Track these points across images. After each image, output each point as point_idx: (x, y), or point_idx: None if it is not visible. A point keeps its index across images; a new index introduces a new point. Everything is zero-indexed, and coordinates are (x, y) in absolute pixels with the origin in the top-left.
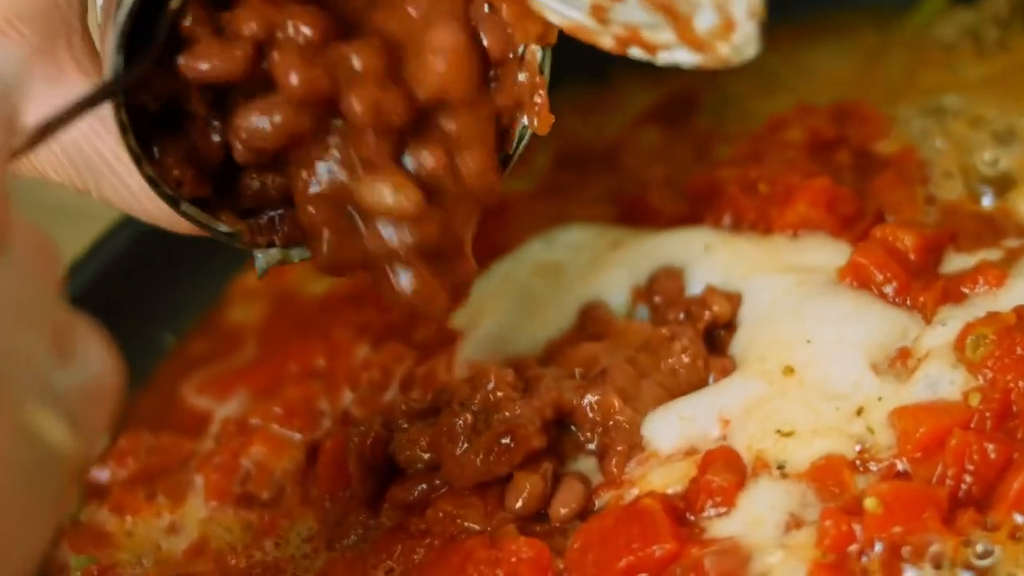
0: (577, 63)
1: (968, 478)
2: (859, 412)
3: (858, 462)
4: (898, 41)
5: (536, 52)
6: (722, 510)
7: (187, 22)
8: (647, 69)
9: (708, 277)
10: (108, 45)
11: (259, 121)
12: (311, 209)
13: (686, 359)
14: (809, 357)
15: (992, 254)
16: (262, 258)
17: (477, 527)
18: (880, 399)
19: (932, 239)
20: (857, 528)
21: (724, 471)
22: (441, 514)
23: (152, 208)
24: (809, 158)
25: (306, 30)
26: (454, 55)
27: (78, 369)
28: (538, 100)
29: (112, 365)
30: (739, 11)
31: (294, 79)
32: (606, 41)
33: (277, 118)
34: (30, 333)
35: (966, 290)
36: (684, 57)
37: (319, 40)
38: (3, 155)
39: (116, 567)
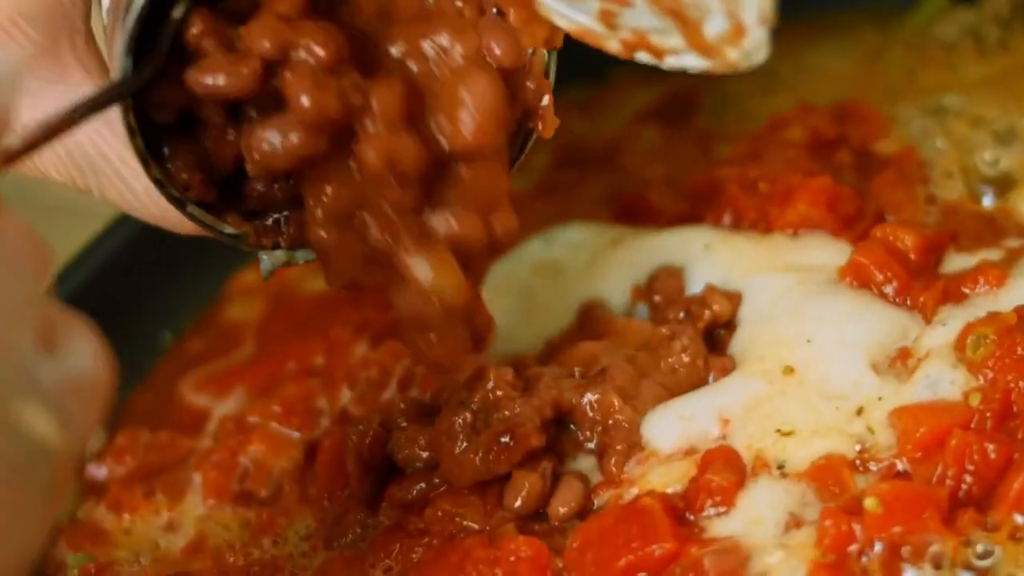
0: (577, 63)
1: (968, 478)
2: (859, 412)
3: (858, 462)
4: (899, 41)
5: (542, 56)
6: (722, 509)
7: (194, 31)
8: (647, 69)
9: (708, 276)
10: (116, 48)
11: (272, 140)
12: (322, 233)
13: (686, 358)
14: (809, 357)
15: (993, 254)
16: (267, 260)
17: (476, 526)
18: (880, 399)
19: (933, 239)
20: (857, 528)
21: (724, 470)
22: (440, 513)
23: (155, 209)
24: (809, 157)
25: (319, 51)
26: (491, 114)
27: (66, 364)
28: (544, 104)
29: (103, 361)
30: (750, 17)
31: (306, 101)
32: (613, 45)
33: (292, 139)
34: (15, 329)
35: (966, 290)
36: (692, 62)
37: (333, 62)
38: None
39: (114, 565)
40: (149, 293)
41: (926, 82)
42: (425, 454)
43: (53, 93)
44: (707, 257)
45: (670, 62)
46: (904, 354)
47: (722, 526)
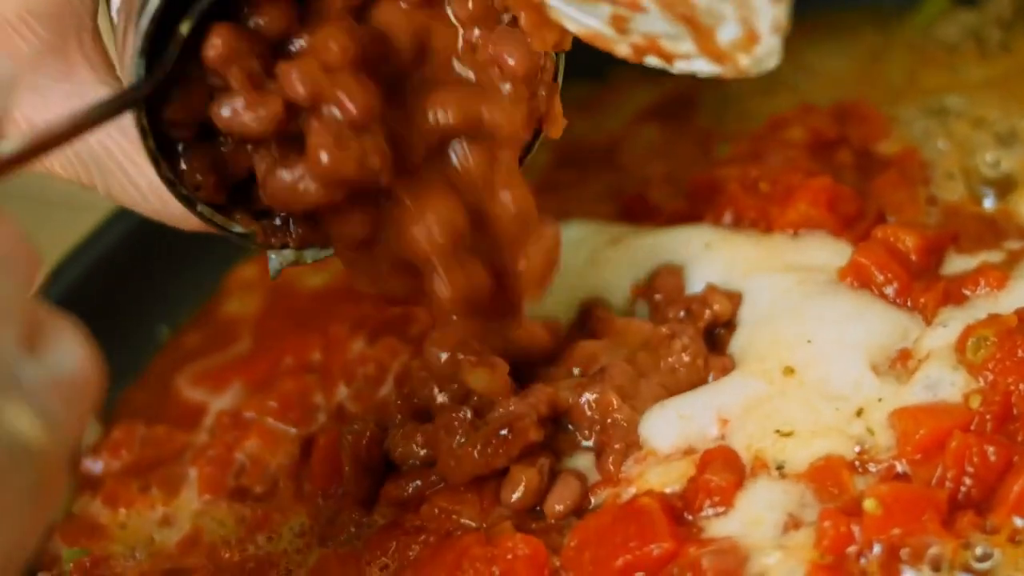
0: (577, 62)
1: (968, 480)
2: (859, 413)
3: (857, 463)
4: (900, 41)
5: (553, 61)
6: (720, 510)
7: (212, 53)
8: (647, 68)
9: (708, 275)
10: (129, 50)
11: (290, 185)
12: (350, 254)
13: (686, 358)
14: (809, 357)
15: (993, 256)
16: (275, 259)
17: (473, 524)
18: (880, 400)
19: (933, 240)
20: (856, 529)
21: (722, 471)
22: (436, 510)
23: (160, 206)
24: (810, 157)
25: (351, 107)
26: (552, 267)
27: (51, 364)
28: (554, 107)
29: (90, 361)
30: (764, 25)
31: (324, 158)
32: (622, 49)
33: (309, 187)
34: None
35: (967, 292)
36: (702, 67)
37: (361, 121)
38: None
39: (108, 559)
40: (146, 287)
41: (927, 83)
42: (422, 451)
43: (60, 91)
44: (707, 256)
45: (680, 67)
46: (904, 355)
47: (720, 526)
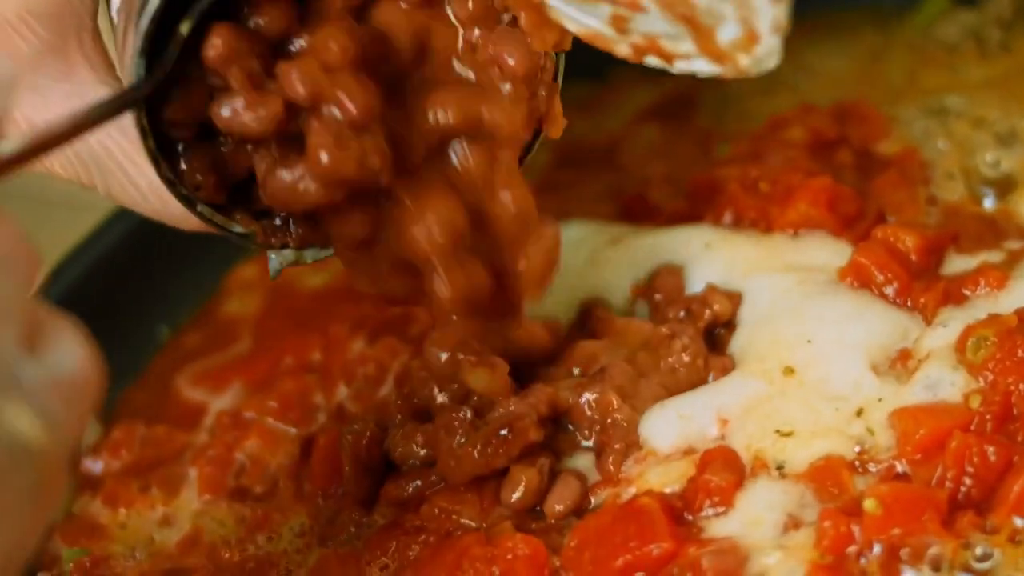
0: (577, 61)
1: (968, 480)
2: (859, 413)
3: (857, 463)
4: (900, 41)
5: (553, 61)
6: (720, 510)
7: (212, 53)
8: (647, 68)
9: (708, 275)
10: (129, 49)
11: (290, 186)
12: (350, 254)
13: (686, 358)
14: (809, 357)
15: (993, 256)
16: (276, 259)
17: (473, 524)
18: (880, 400)
19: (933, 240)
20: (856, 529)
21: (722, 471)
22: (436, 510)
23: (160, 206)
24: (810, 157)
25: (351, 107)
26: (552, 269)
27: (50, 364)
28: (554, 107)
29: (89, 361)
30: (764, 25)
31: (324, 158)
32: (622, 49)
33: (309, 187)
34: None
35: (967, 292)
36: (702, 67)
37: (361, 121)
38: None
39: (108, 559)
40: (146, 287)
41: (927, 83)
42: (422, 451)
43: (60, 91)
44: (707, 256)
45: (680, 67)
46: (904, 355)
47: (720, 526)
